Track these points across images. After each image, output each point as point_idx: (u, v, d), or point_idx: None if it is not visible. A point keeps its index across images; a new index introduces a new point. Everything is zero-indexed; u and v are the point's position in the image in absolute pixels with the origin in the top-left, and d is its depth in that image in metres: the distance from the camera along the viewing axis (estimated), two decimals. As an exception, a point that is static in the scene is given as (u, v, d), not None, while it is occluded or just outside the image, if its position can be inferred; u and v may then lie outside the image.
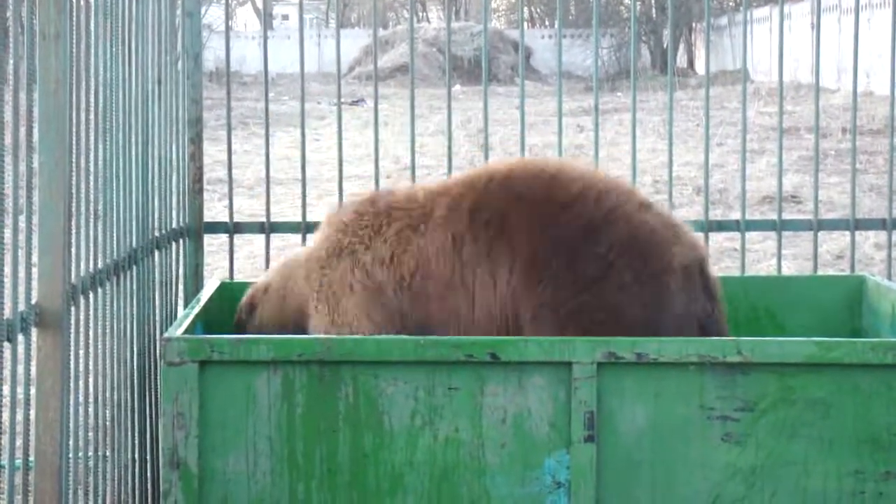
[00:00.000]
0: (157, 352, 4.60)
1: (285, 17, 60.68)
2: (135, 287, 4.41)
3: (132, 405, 4.36)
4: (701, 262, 4.02)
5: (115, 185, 4.19)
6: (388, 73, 34.08)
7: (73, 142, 3.73)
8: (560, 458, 3.72)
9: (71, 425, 3.68)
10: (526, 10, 45.56)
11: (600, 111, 5.95)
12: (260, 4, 50.81)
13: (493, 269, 3.95)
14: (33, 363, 3.48)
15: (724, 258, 10.36)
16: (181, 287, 5.27)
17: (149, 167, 4.68)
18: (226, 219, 5.70)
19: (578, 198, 3.97)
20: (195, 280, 5.40)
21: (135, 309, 4.41)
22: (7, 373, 3.29)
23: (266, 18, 5.97)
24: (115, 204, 4.19)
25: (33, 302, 3.49)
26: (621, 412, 3.71)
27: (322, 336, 3.89)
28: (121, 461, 4.22)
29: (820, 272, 6.90)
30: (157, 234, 4.81)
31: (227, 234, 5.68)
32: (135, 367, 4.38)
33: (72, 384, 3.69)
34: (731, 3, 38.95)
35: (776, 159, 5.72)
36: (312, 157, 12.21)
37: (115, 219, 4.19)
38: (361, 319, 4.08)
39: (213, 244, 9.45)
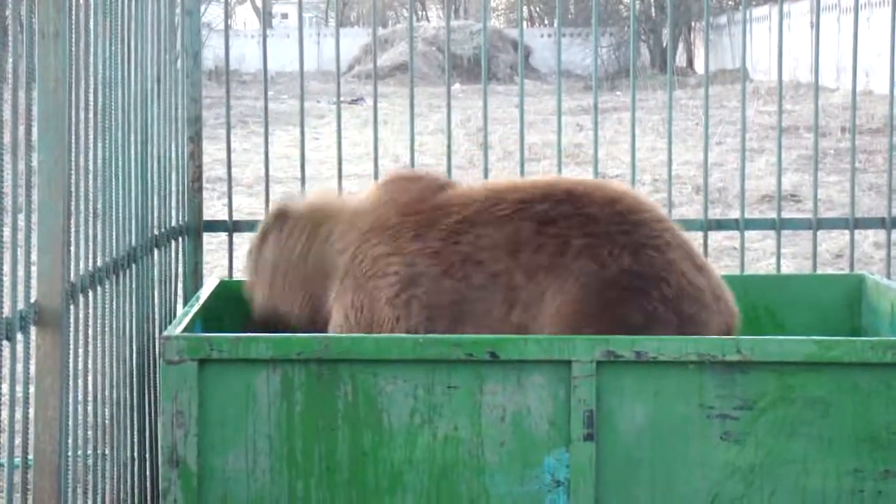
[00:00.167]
0: (157, 350, 4.60)
1: (284, 16, 60.72)
2: (134, 285, 4.41)
3: (131, 403, 4.36)
4: (730, 333, 4.03)
5: (114, 183, 4.19)
6: (387, 71, 34.08)
7: (73, 140, 3.73)
8: (559, 456, 3.72)
9: (70, 424, 3.68)
10: (525, 8, 45.53)
11: (599, 110, 5.95)
12: (259, 3, 50.79)
13: (543, 288, 3.93)
14: (32, 362, 3.48)
15: (723, 257, 10.36)
16: (180, 285, 5.28)
17: (148, 166, 4.67)
18: (225, 217, 5.70)
19: (643, 244, 3.95)
20: (194, 278, 5.40)
21: (134, 307, 4.41)
22: (6, 371, 3.29)
23: (265, 17, 5.97)
24: (114, 202, 4.19)
25: (32, 300, 3.49)
26: (621, 411, 3.71)
27: (320, 335, 3.89)
28: (120, 459, 4.22)
29: (819, 271, 6.90)
30: (156, 232, 4.81)
31: (226, 233, 5.68)
32: (134, 366, 4.38)
33: (71, 383, 3.69)
34: (730, 2, 38.96)
35: (775, 158, 5.72)
36: (312, 156, 12.21)
37: (114, 217, 4.19)
38: (384, 307, 4.08)
39: (213, 242, 9.44)
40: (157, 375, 4.50)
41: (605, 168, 14.32)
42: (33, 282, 3.49)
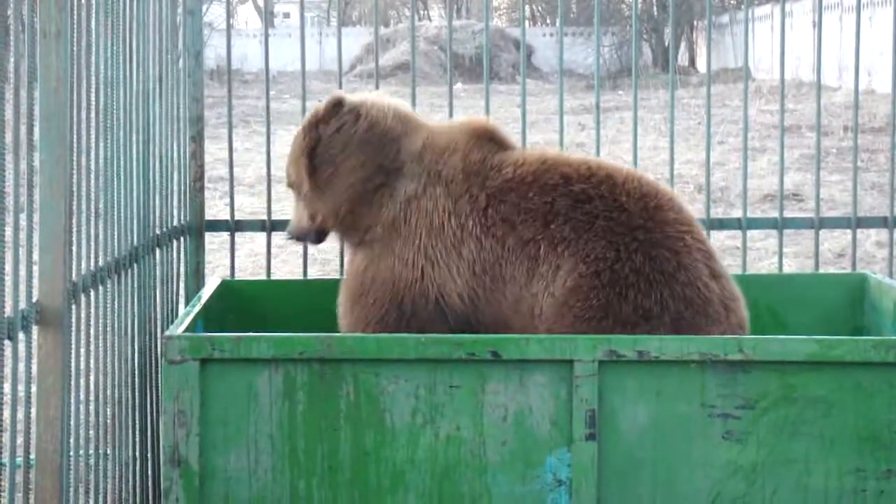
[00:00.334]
0: (159, 350, 4.60)
1: (286, 15, 60.69)
2: (136, 285, 4.41)
3: (133, 403, 4.36)
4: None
5: (115, 183, 4.18)
6: (389, 71, 34.05)
7: (74, 140, 3.73)
8: (561, 456, 3.72)
9: (72, 423, 3.68)
10: (527, 8, 45.54)
11: (602, 109, 5.94)
12: (261, 2, 50.80)
13: (560, 262, 3.98)
14: (34, 361, 3.48)
15: (725, 256, 10.33)
16: (182, 285, 5.27)
17: (150, 165, 4.67)
18: (227, 217, 5.69)
19: (660, 244, 3.98)
20: (196, 278, 5.40)
21: (136, 307, 4.40)
22: (8, 371, 3.29)
23: (267, 16, 5.97)
24: (115, 202, 4.19)
25: (34, 300, 3.49)
26: (623, 410, 3.71)
27: (323, 334, 3.88)
28: (122, 459, 4.22)
29: (821, 270, 6.90)
30: (158, 232, 4.81)
31: (228, 232, 5.68)
32: (136, 365, 4.38)
33: (73, 382, 3.69)
34: (732, 1, 38.94)
35: (778, 157, 5.71)
36: (314, 156, 12.18)
37: (116, 217, 4.19)
38: (433, 265, 4.12)
39: (215, 242, 9.45)
40: (159, 375, 4.50)
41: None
42: (35, 281, 3.49)
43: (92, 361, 3.91)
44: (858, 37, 5.77)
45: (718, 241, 10.28)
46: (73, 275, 3.74)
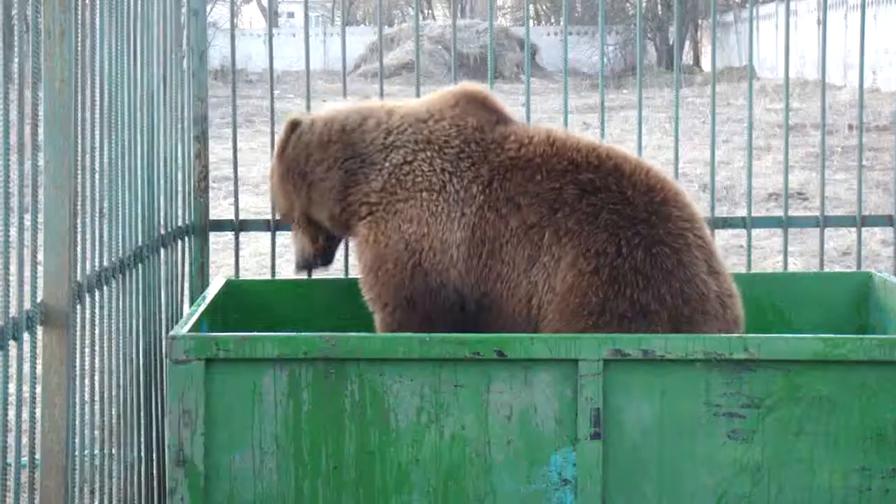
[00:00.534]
0: (163, 350, 4.60)
1: (291, 15, 60.71)
2: (140, 285, 4.41)
3: (138, 403, 4.36)
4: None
5: (120, 183, 4.19)
6: (393, 70, 34.07)
7: (79, 140, 3.73)
8: (566, 455, 3.71)
9: (77, 423, 3.68)
10: (531, 7, 45.55)
11: (606, 108, 5.94)
12: (265, 2, 50.79)
13: (563, 254, 3.96)
14: (39, 362, 3.48)
15: (730, 255, 10.34)
16: (187, 285, 5.28)
17: (154, 165, 4.67)
18: (231, 216, 5.70)
19: (661, 240, 3.97)
20: (201, 278, 5.40)
21: (140, 307, 4.40)
22: (13, 371, 3.29)
23: (271, 16, 5.96)
24: (120, 202, 4.19)
25: (39, 300, 3.49)
26: (627, 409, 3.71)
27: (327, 333, 3.88)
28: (127, 459, 4.22)
29: (826, 269, 6.89)
30: (162, 232, 4.82)
31: (232, 232, 5.69)
32: (140, 365, 4.38)
33: (77, 382, 3.69)
34: (736, 0, 38.90)
35: (782, 156, 5.71)
36: (318, 155, 12.18)
37: (120, 217, 4.19)
38: (436, 224, 4.10)
39: (219, 242, 9.45)
40: (164, 375, 4.50)
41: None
42: (40, 282, 3.50)
43: (97, 361, 3.91)
44: (863, 35, 5.76)
45: (723, 239, 10.28)
46: (78, 275, 3.74)
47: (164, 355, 4.57)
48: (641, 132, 5.69)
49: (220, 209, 10.95)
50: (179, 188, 5.13)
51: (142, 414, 4.40)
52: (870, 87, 22.94)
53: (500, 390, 3.72)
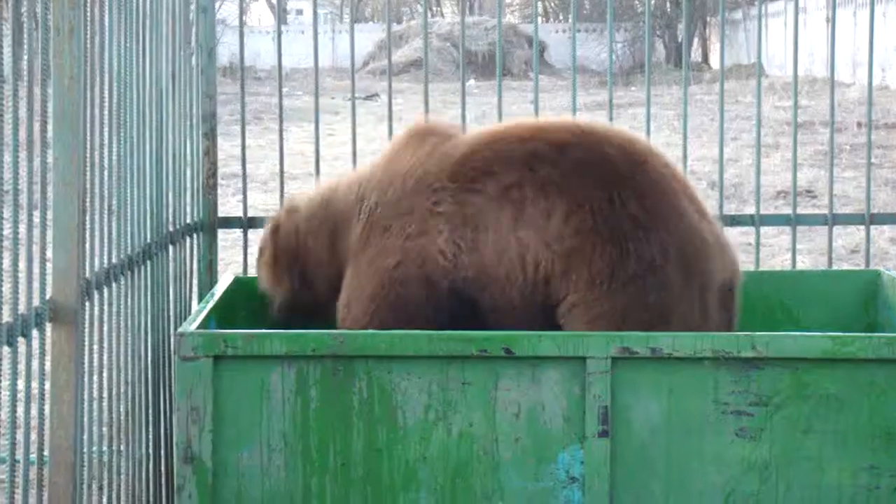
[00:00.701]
0: (172, 347, 4.60)
1: (299, 12, 60.69)
2: (149, 282, 4.42)
3: (146, 400, 4.36)
4: (733, 282, 4.06)
5: (129, 180, 4.19)
6: (402, 67, 34.07)
7: (88, 137, 3.74)
8: (574, 452, 3.71)
9: (85, 420, 3.69)
10: (540, 4, 45.50)
11: (615, 105, 5.93)
12: (274, -1, 50.77)
13: (551, 206, 3.91)
14: (47, 358, 3.49)
15: (738, 253, 10.33)
16: (195, 282, 5.28)
17: (163, 162, 4.68)
18: (240, 214, 5.70)
19: (650, 190, 3.95)
20: (209, 275, 5.41)
21: (149, 304, 4.41)
22: (22, 368, 3.30)
23: (280, 13, 5.96)
24: (129, 199, 4.19)
25: (47, 297, 3.50)
26: (635, 407, 3.70)
27: (335, 331, 3.89)
28: (135, 456, 4.22)
29: (835, 267, 6.88)
30: (171, 229, 4.82)
31: (241, 229, 5.69)
32: (149, 362, 4.39)
33: (86, 379, 3.70)
34: (745, -3, 38.84)
35: (791, 154, 5.70)
36: (326, 152, 12.18)
37: (129, 214, 4.19)
38: (416, 241, 4.06)
39: (227, 239, 9.46)
40: (172, 372, 4.51)
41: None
42: (48, 278, 3.50)
43: (105, 358, 3.92)
44: (872, 32, 5.75)
45: (732, 237, 10.26)
46: (87, 272, 3.74)
47: (172, 352, 4.58)
48: (650, 129, 5.68)
49: (228, 206, 10.96)
50: (188, 185, 5.13)
51: (150, 411, 4.41)
52: (879, 85, 22.90)
53: (507, 388, 3.72)
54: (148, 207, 4.43)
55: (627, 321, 3.82)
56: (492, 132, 4.16)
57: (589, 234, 3.88)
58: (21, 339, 3.28)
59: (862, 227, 5.81)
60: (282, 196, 5.64)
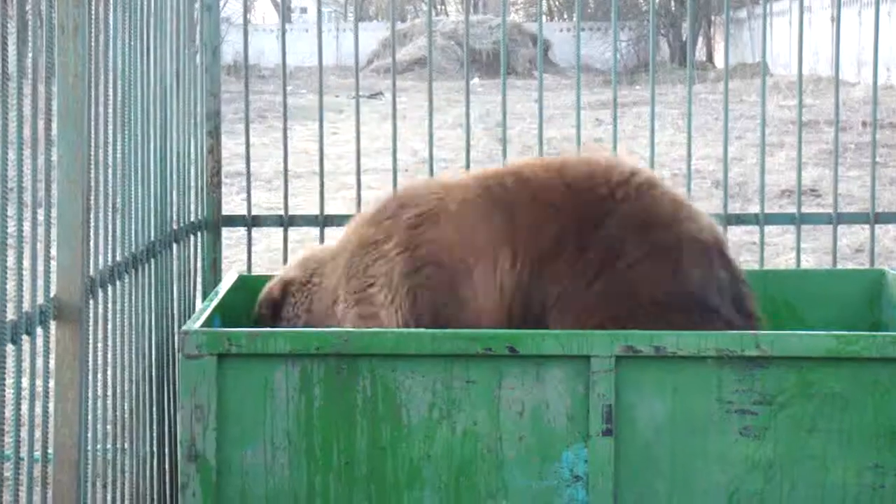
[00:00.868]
0: (176, 345, 4.61)
1: (304, 11, 60.71)
2: (153, 280, 4.42)
3: (150, 398, 4.36)
4: (718, 242, 4.01)
5: (133, 178, 4.19)
6: (406, 66, 34.09)
7: (92, 135, 3.74)
8: (578, 451, 3.71)
9: (89, 418, 3.69)
10: (544, 3, 45.49)
11: (619, 104, 5.93)
12: (278, -2, 50.75)
13: (497, 259, 3.94)
14: (52, 356, 3.49)
15: (742, 252, 10.33)
16: (199, 280, 5.28)
17: (167, 160, 4.68)
18: (244, 212, 5.71)
19: (589, 184, 3.97)
20: (213, 273, 5.41)
21: (153, 302, 4.41)
22: (26, 366, 3.30)
23: (284, 11, 5.96)
24: (133, 197, 4.19)
25: (52, 295, 3.50)
26: (639, 406, 3.70)
27: (339, 329, 3.89)
28: (139, 454, 4.22)
29: (839, 266, 6.87)
30: (175, 227, 4.82)
31: (245, 228, 5.69)
32: (153, 360, 4.39)
33: (90, 377, 3.70)
34: (750, -4, 38.81)
35: (795, 153, 5.70)
36: (330, 151, 12.22)
37: (133, 212, 4.19)
38: (389, 311, 4.07)
39: (232, 237, 9.46)
40: (176, 370, 4.50)
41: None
42: (53, 276, 3.50)
43: (109, 356, 3.92)
44: (877, 31, 5.75)
45: (736, 236, 10.28)
46: (91, 270, 3.74)
47: (176, 350, 4.58)
48: (654, 128, 5.68)
49: (232, 205, 10.96)
50: (192, 183, 5.14)
51: (154, 409, 4.41)
52: (884, 84, 22.88)
53: (511, 386, 3.72)
54: (152, 205, 4.43)
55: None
56: (424, 211, 4.14)
57: (547, 242, 3.91)
58: (25, 337, 3.28)
59: (866, 226, 5.81)
60: (286, 194, 5.64)
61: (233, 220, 5.67)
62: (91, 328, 3.72)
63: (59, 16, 3.48)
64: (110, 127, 3.96)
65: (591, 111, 21.04)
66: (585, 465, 3.70)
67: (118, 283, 4.01)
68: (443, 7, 55.04)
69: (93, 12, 3.73)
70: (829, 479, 3.69)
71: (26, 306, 3.31)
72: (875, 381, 3.67)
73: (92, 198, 3.74)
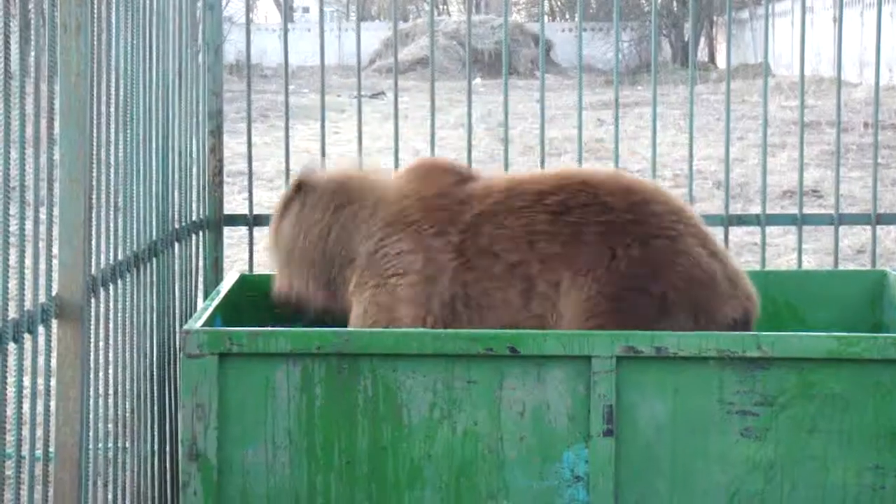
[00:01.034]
0: (177, 344, 4.61)
1: (306, 10, 60.69)
2: (155, 279, 4.42)
3: (152, 397, 4.37)
4: (748, 317, 4.04)
5: (135, 177, 4.20)
6: (408, 66, 34.08)
7: (94, 134, 3.74)
8: (579, 451, 3.71)
9: (91, 417, 3.69)
10: (546, 3, 45.49)
11: (621, 105, 5.93)
12: (280, -3, 50.76)
13: (558, 277, 3.93)
14: (53, 355, 3.49)
15: (744, 252, 10.33)
16: (201, 279, 5.28)
17: (169, 159, 4.68)
18: (246, 211, 5.71)
19: (655, 234, 3.95)
20: (215, 272, 5.41)
21: (155, 301, 4.41)
22: (27, 364, 3.30)
23: (286, 11, 5.96)
24: (135, 196, 4.20)
25: (54, 294, 3.50)
26: (640, 406, 3.70)
27: (340, 329, 3.89)
28: (140, 452, 4.23)
29: (841, 267, 6.88)
30: (177, 226, 4.82)
31: (246, 227, 5.69)
32: (154, 359, 4.39)
33: (92, 376, 3.70)
34: (752, -3, 38.80)
35: (797, 153, 5.70)
36: (332, 150, 12.18)
37: (135, 211, 4.20)
38: (406, 305, 4.06)
39: (233, 237, 9.45)
40: (178, 369, 4.51)
41: (626, 163, 14.28)
42: (54, 275, 3.50)
43: (111, 355, 3.92)
44: (879, 32, 5.75)
45: (737, 237, 10.28)
46: (93, 269, 3.75)
47: (177, 349, 4.58)
48: (656, 129, 5.68)
49: (234, 204, 10.96)
50: (194, 182, 5.14)
51: (155, 408, 4.41)
52: (886, 85, 22.86)
53: (512, 386, 3.72)
54: (154, 204, 4.43)
55: None
56: (496, 197, 4.12)
57: (596, 297, 3.89)
58: (27, 336, 3.28)
59: (868, 228, 5.81)
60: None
61: (235, 220, 5.67)
62: (93, 327, 3.73)
63: (61, 14, 3.49)
64: (112, 126, 3.96)
65: (593, 111, 21.03)
66: (586, 465, 3.71)
67: (120, 282, 4.01)
68: (445, 7, 55.03)
69: (95, 11, 3.73)
70: (829, 479, 3.69)
71: (28, 305, 3.31)
72: (876, 383, 3.67)
73: (94, 196, 3.74)
